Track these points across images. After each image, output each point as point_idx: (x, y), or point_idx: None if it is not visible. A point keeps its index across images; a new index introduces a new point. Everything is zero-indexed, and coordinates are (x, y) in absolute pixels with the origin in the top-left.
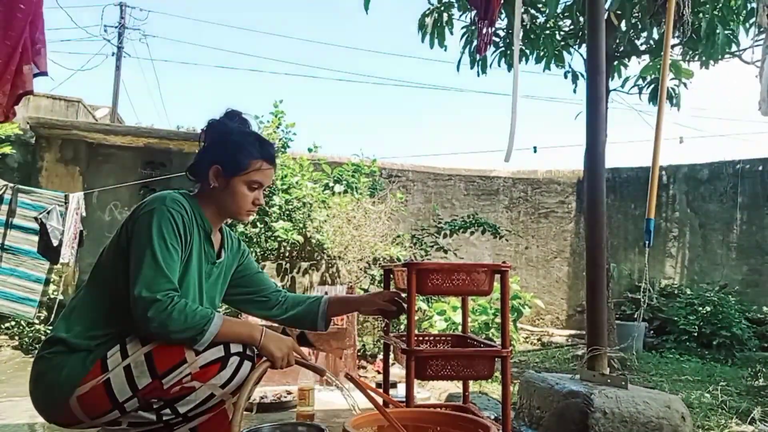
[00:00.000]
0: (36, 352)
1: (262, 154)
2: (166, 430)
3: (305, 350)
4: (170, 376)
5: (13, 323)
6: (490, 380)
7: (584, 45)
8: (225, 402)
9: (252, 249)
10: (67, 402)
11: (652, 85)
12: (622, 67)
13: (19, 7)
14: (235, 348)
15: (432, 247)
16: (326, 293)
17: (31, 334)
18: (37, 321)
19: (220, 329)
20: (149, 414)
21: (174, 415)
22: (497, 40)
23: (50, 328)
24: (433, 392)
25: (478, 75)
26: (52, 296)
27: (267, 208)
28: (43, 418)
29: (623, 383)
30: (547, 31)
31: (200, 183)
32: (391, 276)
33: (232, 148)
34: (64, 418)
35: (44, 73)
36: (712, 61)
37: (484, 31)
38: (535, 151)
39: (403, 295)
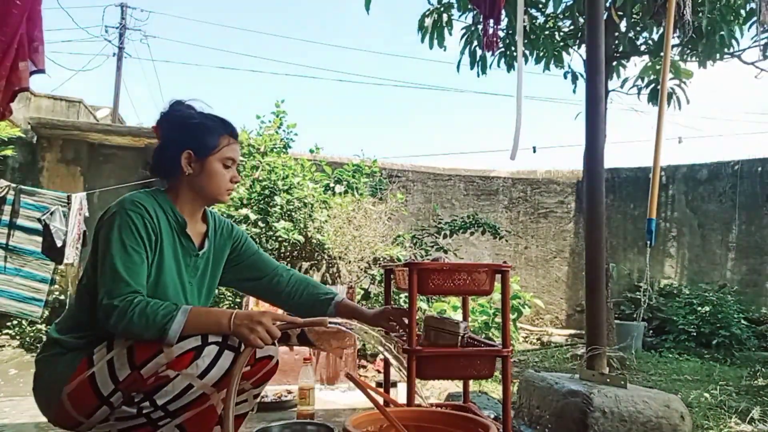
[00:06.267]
0: (37, 352)
1: (227, 130)
2: (151, 427)
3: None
4: (148, 366)
5: (14, 322)
6: (490, 380)
7: (584, 45)
8: (210, 397)
9: None
10: (60, 401)
11: (652, 86)
12: (621, 68)
13: (15, 3)
14: (213, 337)
15: (432, 247)
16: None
17: (32, 334)
18: (39, 321)
19: (185, 325)
20: (130, 408)
21: (153, 407)
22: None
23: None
24: (433, 392)
25: (478, 75)
26: (55, 296)
27: (269, 209)
28: (51, 423)
29: (622, 383)
30: (547, 32)
31: (169, 177)
32: (392, 276)
33: (198, 130)
34: (64, 419)
35: (42, 71)
36: (710, 61)
37: (491, 30)
38: (534, 151)
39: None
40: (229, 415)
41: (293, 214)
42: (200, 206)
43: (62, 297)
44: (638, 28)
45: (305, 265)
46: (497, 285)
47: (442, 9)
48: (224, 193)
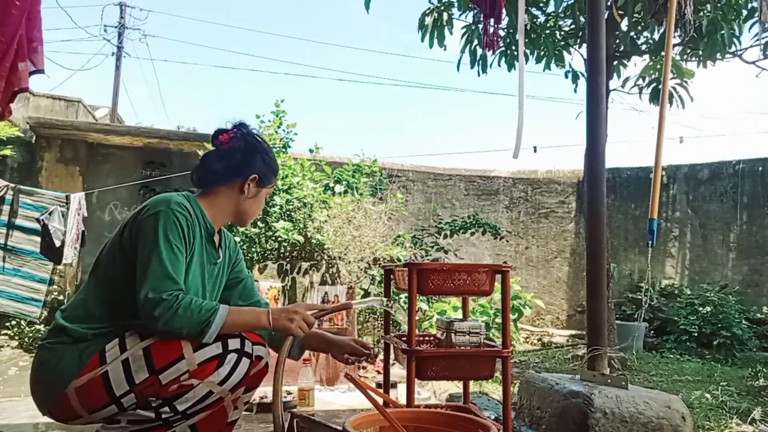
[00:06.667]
0: (42, 337)
1: (275, 171)
2: (165, 428)
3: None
4: (167, 372)
5: (13, 323)
6: (490, 380)
7: (584, 45)
8: (224, 399)
9: (253, 249)
10: (64, 394)
11: (653, 85)
12: (622, 67)
13: (15, 4)
14: (232, 345)
15: (432, 247)
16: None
17: (31, 334)
18: (38, 321)
19: (226, 319)
20: (148, 412)
21: (173, 413)
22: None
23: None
24: (434, 392)
25: (479, 75)
26: (54, 296)
27: (268, 208)
28: (41, 412)
29: (623, 383)
30: (548, 31)
31: (214, 186)
32: (392, 276)
33: (270, 163)
34: (62, 411)
35: (41, 71)
36: (711, 61)
37: (491, 29)
38: (535, 151)
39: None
40: (279, 403)
41: (293, 214)
42: (226, 221)
43: (61, 297)
44: (639, 28)
45: (305, 265)
46: (497, 285)
47: (442, 8)
48: (252, 220)
